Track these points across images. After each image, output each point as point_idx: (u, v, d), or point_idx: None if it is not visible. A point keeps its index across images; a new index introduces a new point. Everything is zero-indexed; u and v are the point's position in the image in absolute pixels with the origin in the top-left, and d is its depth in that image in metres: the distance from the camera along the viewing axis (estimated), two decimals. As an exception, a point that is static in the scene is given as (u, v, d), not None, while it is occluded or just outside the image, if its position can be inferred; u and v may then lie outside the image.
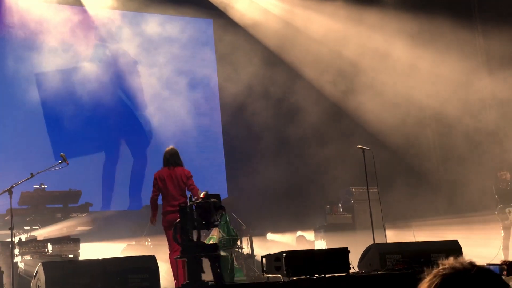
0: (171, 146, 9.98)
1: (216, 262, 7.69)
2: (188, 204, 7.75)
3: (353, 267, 8.35)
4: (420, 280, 2.01)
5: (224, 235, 10.00)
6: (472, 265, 1.97)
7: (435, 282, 1.92)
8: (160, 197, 9.64)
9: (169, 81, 14.59)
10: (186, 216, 7.59)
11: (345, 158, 13.96)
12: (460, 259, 2.07)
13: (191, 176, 9.68)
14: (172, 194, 9.46)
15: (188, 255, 7.53)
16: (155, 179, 9.63)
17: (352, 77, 14.46)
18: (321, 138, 15.01)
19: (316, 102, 14.85)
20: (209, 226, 7.75)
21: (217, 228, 9.71)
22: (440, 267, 1.98)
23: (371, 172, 11.48)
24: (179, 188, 9.54)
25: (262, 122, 14.82)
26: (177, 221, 7.72)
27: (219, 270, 7.68)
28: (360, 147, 11.48)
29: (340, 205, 13.83)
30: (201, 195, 7.78)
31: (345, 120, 14.88)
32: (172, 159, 9.69)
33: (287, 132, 14.97)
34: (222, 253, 10.58)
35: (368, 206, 11.46)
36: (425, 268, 2.00)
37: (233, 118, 14.97)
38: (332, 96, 14.89)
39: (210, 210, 7.56)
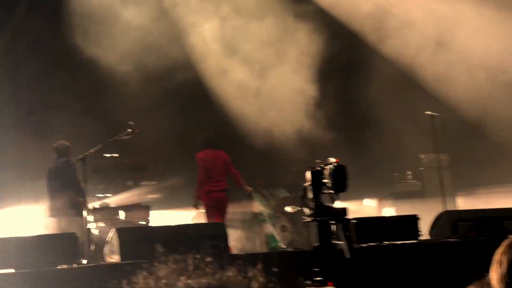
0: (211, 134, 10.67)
1: (346, 226, 7.66)
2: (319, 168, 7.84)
3: (423, 234, 8.27)
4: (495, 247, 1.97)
5: (266, 209, 11.18)
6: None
7: (509, 246, 1.88)
8: None
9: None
10: (319, 179, 7.56)
11: (414, 125, 13.73)
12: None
13: (231, 161, 10.34)
14: (217, 175, 10.07)
15: (319, 219, 7.49)
16: (201, 160, 10.21)
17: (422, 41, 14.11)
18: (389, 104, 14.79)
19: (385, 68, 14.61)
20: (344, 189, 7.69)
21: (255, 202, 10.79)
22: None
23: (441, 139, 11.29)
24: (223, 170, 10.18)
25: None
26: (306, 184, 7.72)
27: (348, 234, 7.66)
28: (429, 113, 11.29)
29: (409, 173, 13.65)
30: (335, 160, 7.78)
31: (414, 86, 14.61)
32: (214, 141, 10.28)
33: (352, 97, 14.79)
34: (268, 225, 11.08)
35: (438, 173, 11.29)
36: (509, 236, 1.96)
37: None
38: (400, 62, 14.62)
39: (346, 174, 7.53)
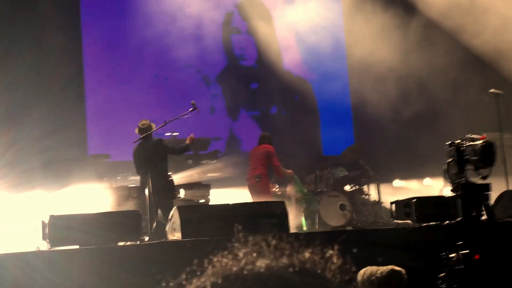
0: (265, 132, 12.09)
1: (487, 200, 7.63)
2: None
3: (485, 213, 8.12)
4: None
5: (302, 194, 12.09)
6: None
7: None
8: None
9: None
10: (462, 155, 7.52)
11: (476, 103, 13.47)
12: None
13: (273, 154, 11.41)
14: (253, 164, 11.44)
15: (464, 193, 7.43)
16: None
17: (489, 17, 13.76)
18: (452, 82, 14.55)
19: (448, 48, 14.36)
20: (493, 164, 7.59)
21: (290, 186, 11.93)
22: None
23: (505, 117, 11.07)
24: (260, 160, 11.37)
25: (389, 67, 14.52)
26: (449, 160, 7.69)
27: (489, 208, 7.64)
28: (493, 91, 11.07)
29: (471, 151, 13.41)
30: (480, 137, 7.73)
31: (476, 64, 14.31)
32: (264, 138, 11.66)
33: (415, 75, 14.57)
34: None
35: (502, 152, 11.05)
36: None
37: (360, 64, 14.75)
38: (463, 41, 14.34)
39: (495, 150, 7.48)
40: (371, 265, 4.82)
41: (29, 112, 12.32)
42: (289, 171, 11.94)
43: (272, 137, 11.88)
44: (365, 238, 7.70)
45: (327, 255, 0.97)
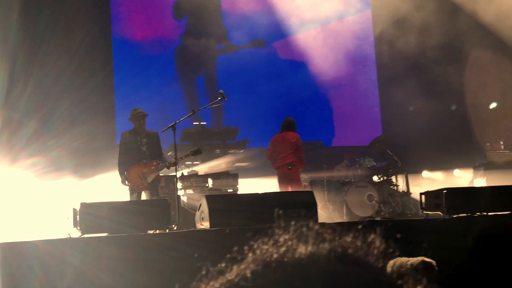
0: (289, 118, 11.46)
1: None
2: None
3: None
4: None
5: None
6: None
7: None
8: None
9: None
10: None
11: (508, 92, 13.32)
12: None
13: (301, 144, 11.11)
14: (284, 152, 11.02)
15: None
16: (271, 141, 11.24)
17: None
18: (481, 72, 14.38)
19: (480, 38, 14.20)
20: None
21: None
22: None
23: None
24: (290, 148, 11.01)
25: (417, 57, 14.40)
26: None
27: None
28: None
29: (502, 142, 13.26)
30: None
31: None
32: (287, 126, 11.21)
33: (442, 68, 14.45)
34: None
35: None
36: None
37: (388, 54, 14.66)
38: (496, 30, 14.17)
39: None
40: (398, 256, 4.79)
41: (59, 101, 12.43)
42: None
43: (295, 122, 11.40)
44: (393, 229, 7.65)
45: (370, 239, 0.96)
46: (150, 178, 9.56)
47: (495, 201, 7.82)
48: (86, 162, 11.73)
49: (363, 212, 11.52)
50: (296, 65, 14.81)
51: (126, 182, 9.58)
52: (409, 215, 11.48)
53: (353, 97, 14.94)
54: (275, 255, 0.91)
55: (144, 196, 9.57)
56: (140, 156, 9.72)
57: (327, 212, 11.92)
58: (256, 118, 14.23)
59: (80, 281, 6.47)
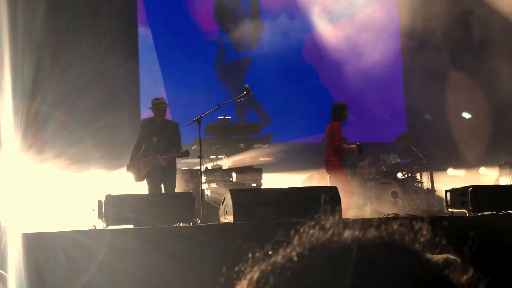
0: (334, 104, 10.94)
1: None
2: None
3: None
4: None
5: None
6: None
7: None
8: None
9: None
10: None
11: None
12: None
13: (336, 132, 10.42)
14: (326, 146, 10.69)
15: None
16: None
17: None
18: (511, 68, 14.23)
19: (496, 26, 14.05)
20: None
21: None
22: None
23: None
24: (326, 142, 10.62)
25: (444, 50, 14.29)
26: None
27: None
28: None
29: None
30: None
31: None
32: (331, 113, 10.67)
33: (473, 64, 14.32)
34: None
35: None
36: None
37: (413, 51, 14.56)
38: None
39: None
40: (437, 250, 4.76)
41: (84, 93, 12.51)
42: (353, 146, 10.91)
43: (344, 106, 10.71)
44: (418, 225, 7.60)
45: (416, 227, 0.96)
46: (142, 172, 9.51)
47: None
48: (111, 154, 11.80)
49: (387, 209, 11.47)
50: (321, 60, 14.78)
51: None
52: (434, 213, 11.41)
53: (378, 92, 14.84)
54: (321, 239, 0.92)
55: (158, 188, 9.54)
56: (149, 146, 9.65)
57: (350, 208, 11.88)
58: (281, 113, 14.25)
59: (105, 272, 6.51)
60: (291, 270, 0.88)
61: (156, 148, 9.58)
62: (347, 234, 0.92)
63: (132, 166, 9.58)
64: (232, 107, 13.41)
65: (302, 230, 0.95)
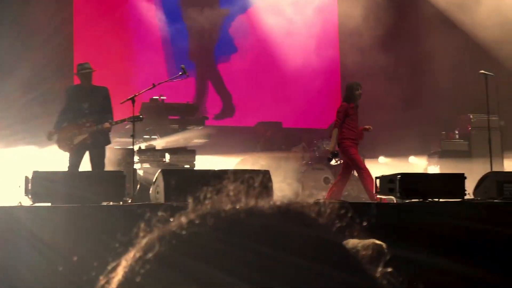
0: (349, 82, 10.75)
1: None
2: None
3: (468, 194, 8.20)
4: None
5: None
6: None
7: None
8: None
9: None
10: None
11: (465, 84, 13.50)
12: None
13: (337, 112, 10.24)
14: None
15: None
16: None
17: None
18: (440, 62, 14.55)
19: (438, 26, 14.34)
20: None
21: None
22: None
23: (493, 99, 11.10)
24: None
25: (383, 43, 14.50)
26: None
27: None
28: (482, 72, 11.07)
29: (457, 132, 13.47)
30: None
31: (471, 46, 14.30)
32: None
33: (390, 56, 14.56)
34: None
35: (488, 134, 11.13)
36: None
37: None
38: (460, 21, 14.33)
39: None
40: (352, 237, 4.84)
41: (14, 65, 12.16)
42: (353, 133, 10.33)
43: (355, 86, 10.36)
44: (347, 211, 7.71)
45: (322, 203, 0.96)
46: (76, 140, 9.11)
47: (446, 187, 7.98)
48: (41, 130, 11.53)
49: (319, 194, 11.60)
50: (258, 43, 14.79)
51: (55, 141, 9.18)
52: (363, 199, 11.59)
53: (314, 79, 14.96)
54: (214, 207, 0.91)
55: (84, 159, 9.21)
56: (78, 113, 9.24)
57: (282, 192, 11.96)
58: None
59: (29, 249, 6.39)
60: (177, 238, 0.87)
61: (88, 115, 9.22)
62: (247, 201, 0.91)
63: (62, 134, 9.15)
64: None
65: (200, 197, 0.94)
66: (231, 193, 0.92)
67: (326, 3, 15.17)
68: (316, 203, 0.94)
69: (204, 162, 11.54)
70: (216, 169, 8.31)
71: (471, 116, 13.34)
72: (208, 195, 0.93)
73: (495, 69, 11.84)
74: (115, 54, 13.53)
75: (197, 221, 0.88)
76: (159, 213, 0.93)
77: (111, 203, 7.47)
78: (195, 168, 10.88)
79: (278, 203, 0.91)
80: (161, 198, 7.58)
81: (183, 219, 0.89)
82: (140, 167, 10.86)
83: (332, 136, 10.28)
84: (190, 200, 0.94)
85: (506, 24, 13.45)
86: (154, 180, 8.05)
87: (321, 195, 11.47)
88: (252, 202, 0.91)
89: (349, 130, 10.18)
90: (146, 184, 10.03)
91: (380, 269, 0.91)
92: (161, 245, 0.87)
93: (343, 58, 15.19)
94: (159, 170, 8.07)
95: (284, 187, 12.05)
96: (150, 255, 0.87)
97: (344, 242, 3.46)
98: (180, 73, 9.50)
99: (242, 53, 14.77)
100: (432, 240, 7.14)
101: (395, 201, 7.99)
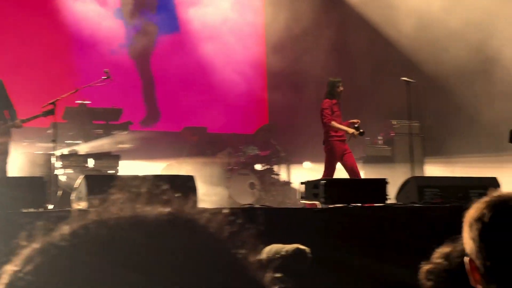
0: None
1: None
2: None
3: (390, 198, 8.35)
4: (466, 212, 1.98)
5: None
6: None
7: (481, 208, 1.89)
8: None
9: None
10: None
11: (388, 90, 13.77)
12: (508, 191, 2.03)
13: (322, 109, 10.40)
14: None
15: None
16: None
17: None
18: (364, 68, 14.80)
19: (363, 31, 14.59)
20: None
21: None
22: (487, 197, 1.95)
23: (414, 105, 11.37)
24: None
25: (308, 49, 14.64)
26: None
27: None
28: (404, 79, 11.32)
29: (380, 138, 13.72)
30: None
31: (393, 52, 14.60)
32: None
33: (316, 62, 14.75)
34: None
35: (409, 140, 11.39)
36: (467, 202, 1.98)
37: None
38: (381, 28, 14.60)
39: None
40: (277, 243, 4.86)
41: None
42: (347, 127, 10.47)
43: (336, 83, 10.54)
44: (272, 216, 7.74)
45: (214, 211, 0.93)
46: None
47: (369, 192, 8.11)
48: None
49: (244, 199, 11.61)
50: (183, 44, 14.73)
51: None
52: (289, 204, 11.68)
53: (240, 84, 14.98)
54: (103, 214, 0.88)
55: None
56: None
57: (209, 197, 11.92)
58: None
59: None
60: (57, 249, 0.83)
61: None
62: (135, 208, 0.88)
63: None
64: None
65: (98, 205, 0.90)
66: (123, 201, 0.89)
67: (253, 7, 15.23)
68: (205, 210, 0.92)
69: (129, 168, 11.40)
70: (140, 174, 8.22)
71: (394, 122, 13.61)
72: (104, 203, 0.90)
73: (415, 75, 12.14)
74: (44, 55, 13.19)
75: (79, 231, 0.85)
76: (41, 222, 0.88)
77: (31, 210, 7.27)
78: (118, 174, 10.72)
79: (165, 210, 0.89)
80: (84, 205, 7.43)
81: (65, 229, 0.86)
82: (63, 173, 10.63)
83: (337, 127, 10.36)
84: (74, 208, 0.90)
85: (424, 28, 13.80)
86: (76, 186, 7.90)
87: (248, 201, 11.50)
88: (140, 210, 0.88)
89: None
90: (69, 190, 9.83)
91: (269, 274, 0.89)
92: (41, 256, 0.83)
93: (269, 62, 15.25)
94: (81, 176, 7.92)
95: (209, 192, 12.02)
96: (29, 267, 0.83)
97: (269, 247, 3.45)
98: (104, 77, 9.37)
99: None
100: (354, 242, 7.23)
101: (320, 206, 8.06)
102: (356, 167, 10.48)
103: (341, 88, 10.53)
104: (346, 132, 10.42)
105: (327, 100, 10.46)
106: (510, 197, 1.91)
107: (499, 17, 13.28)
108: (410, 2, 13.72)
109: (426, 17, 13.65)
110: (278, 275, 0.93)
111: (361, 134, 10.44)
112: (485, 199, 1.92)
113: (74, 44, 13.88)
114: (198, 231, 0.87)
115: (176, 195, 0.98)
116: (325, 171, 10.38)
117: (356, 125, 10.35)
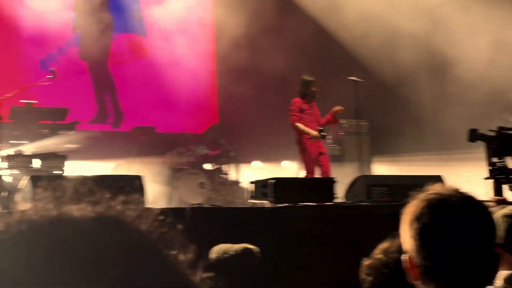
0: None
1: None
2: None
3: (338, 197, 8.42)
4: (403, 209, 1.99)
5: None
6: (457, 191, 1.96)
7: (420, 207, 1.91)
8: None
9: None
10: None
11: (336, 89, 13.88)
12: (445, 186, 2.05)
13: (290, 109, 10.47)
14: None
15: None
16: None
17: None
18: (313, 67, 14.88)
19: (308, 31, 14.67)
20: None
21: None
22: (425, 193, 1.97)
23: (362, 105, 11.47)
24: None
25: (258, 49, 14.65)
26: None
27: None
28: (352, 79, 11.41)
29: (330, 137, 13.81)
30: None
31: (338, 51, 14.73)
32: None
33: (275, 61, 14.79)
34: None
35: (357, 139, 11.49)
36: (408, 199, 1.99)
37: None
38: (328, 27, 14.71)
39: None
40: (225, 242, 4.85)
41: None
42: (313, 132, 10.46)
43: (310, 82, 10.60)
44: (221, 216, 7.73)
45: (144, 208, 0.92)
46: None
47: (317, 191, 8.16)
48: None
49: (194, 199, 11.56)
50: (132, 43, 14.60)
51: None
52: (238, 204, 11.67)
53: (189, 83, 14.91)
54: (27, 213, 0.86)
55: None
56: None
57: (159, 198, 11.83)
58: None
59: None
60: None
61: None
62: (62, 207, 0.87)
63: None
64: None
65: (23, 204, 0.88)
66: (49, 200, 0.88)
67: (203, 7, 15.18)
68: (134, 209, 0.90)
69: (76, 168, 11.24)
70: (87, 174, 8.11)
71: (343, 121, 13.71)
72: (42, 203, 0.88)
73: (363, 74, 12.27)
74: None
75: (2, 229, 0.83)
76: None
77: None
78: (64, 174, 10.55)
79: (93, 209, 0.87)
80: (28, 206, 7.28)
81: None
82: (9, 174, 10.42)
83: (301, 129, 10.42)
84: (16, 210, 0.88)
85: (369, 27, 13.95)
86: (20, 186, 7.76)
87: (197, 200, 11.45)
88: (67, 209, 0.86)
89: (305, 126, 10.39)
90: (14, 191, 9.64)
91: (200, 273, 0.88)
92: None
93: (219, 62, 15.22)
94: (26, 177, 7.78)
95: (158, 192, 11.94)
96: None
97: (218, 247, 3.42)
98: (50, 76, 9.21)
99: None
100: (302, 242, 7.26)
101: (268, 206, 8.07)
102: (329, 171, 10.48)
103: (314, 89, 10.52)
104: (309, 133, 10.46)
105: (298, 99, 10.52)
106: (449, 195, 1.93)
107: (450, 19, 13.51)
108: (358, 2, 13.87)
109: (373, 17, 13.80)
110: (210, 274, 0.92)
111: (323, 137, 10.48)
112: (424, 196, 1.93)
113: (20, 40, 13.62)
114: (125, 229, 0.86)
115: (106, 195, 0.96)
116: (306, 174, 10.47)
117: (320, 128, 10.42)
